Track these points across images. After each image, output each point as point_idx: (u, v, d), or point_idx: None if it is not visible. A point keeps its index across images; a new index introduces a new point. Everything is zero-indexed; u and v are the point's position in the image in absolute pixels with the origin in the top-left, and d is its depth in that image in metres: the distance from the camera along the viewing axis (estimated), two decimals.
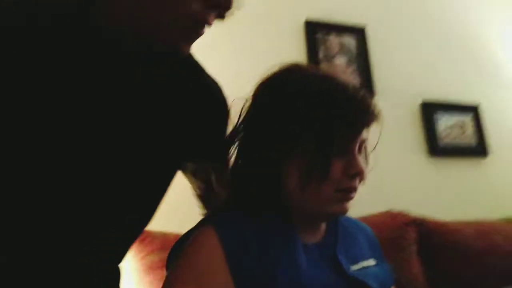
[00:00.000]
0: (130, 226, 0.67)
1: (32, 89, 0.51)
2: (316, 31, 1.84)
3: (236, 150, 0.75)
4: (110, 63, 0.56)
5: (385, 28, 2.00)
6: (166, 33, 0.53)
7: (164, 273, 0.72)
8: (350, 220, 0.83)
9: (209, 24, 0.54)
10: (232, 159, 0.77)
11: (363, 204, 1.30)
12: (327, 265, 0.70)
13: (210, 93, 0.72)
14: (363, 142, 0.70)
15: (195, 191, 0.85)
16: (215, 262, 0.64)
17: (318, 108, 0.67)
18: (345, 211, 0.69)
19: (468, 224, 1.46)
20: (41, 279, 0.55)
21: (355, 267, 0.72)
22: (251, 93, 0.75)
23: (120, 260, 0.72)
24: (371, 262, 0.76)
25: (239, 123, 0.75)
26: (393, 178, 1.72)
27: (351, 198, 0.69)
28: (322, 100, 0.67)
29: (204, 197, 0.84)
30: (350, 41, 1.90)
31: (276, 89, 0.72)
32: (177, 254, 0.70)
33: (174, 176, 0.72)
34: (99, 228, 0.59)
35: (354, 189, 0.68)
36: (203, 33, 0.55)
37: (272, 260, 0.65)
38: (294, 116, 0.68)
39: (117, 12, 0.52)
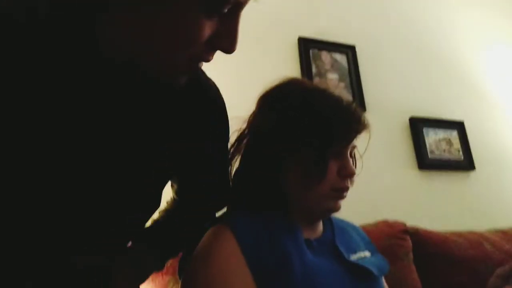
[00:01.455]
0: (130, 227, 0.67)
1: (39, 107, 0.50)
2: (309, 47, 1.90)
3: (241, 155, 0.82)
4: (110, 79, 0.55)
5: (373, 48, 2.07)
6: (165, 69, 0.53)
7: None
8: (342, 220, 0.92)
9: (208, 61, 0.54)
10: (236, 164, 0.83)
11: (358, 215, 1.34)
12: (330, 256, 0.76)
13: (208, 96, 0.72)
14: (353, 148, 0.80)
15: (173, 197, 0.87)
16: (236, 261, 0.67)
17: (318, 117, 0.75)
18: (338, 208, 0.77)
19: (459, 234, 1.51)
20: (41, 280, 0.55)
21: (354, 257, 0.79)
22: (256, 105, 0.84)
23: None
24: (367, 253, 0.83)
25: (243, 131, 0.83)
26: (385, 191, 1.77)
27: (344, 197, 0.77)
28: (322, 110, 0.75)
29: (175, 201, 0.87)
30: (341, 58, 1.96)
31: (278, 100, 0.80)
32: (192, 256, 0.72)
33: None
34: (100, 230, 0.60)
35: (346, 189, 0.77)
36: (201, 66, 0.57)
37: (283, 252, 0.69)
38: (295, 124, 0.75)
39: (119, 43, 0.51)
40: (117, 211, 0.60)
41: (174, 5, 0.46)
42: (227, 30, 0.51)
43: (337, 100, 0.78)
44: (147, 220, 0.74)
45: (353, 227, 0.93)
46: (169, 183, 0.84)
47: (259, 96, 0.84)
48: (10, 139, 0.49)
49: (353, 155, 0.81)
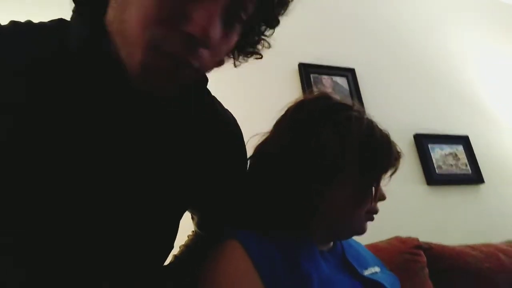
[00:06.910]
0: (147, 259, 0.64)
1: (60, 127, 0.50)
2: (309, 72, 1.94)
3: (267, 172, 0.74)
4: (134, 106, 0.55)
5: (372, 69, 2.11)
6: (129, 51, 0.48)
7: None
8: None
9: (181, 55, 0.47)
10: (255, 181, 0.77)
11: (369, 232, 1.33)
12: (344, 270, 0.76)
13: (227, 128, 0.72)
14: None
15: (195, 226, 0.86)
16: (246, 273, 0.65)
17: (368, 147, 0.73)
18: (365, 229, 0.78)
19: (473, 247, 1.49)
20: None
21: (366, 272, 0.79)
22: (287, 115, 0.79)
23: None
24: (376, 269, 0.83)
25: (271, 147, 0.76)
26: (395, 208, 1.75)
27: (373, 219, 0.78)
28: (371, 142, 0.74)
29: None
30: (342, 81, 2.01)
31: (319, 120, 0.74)
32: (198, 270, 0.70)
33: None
34: (114, 261, 0.57)
35: (377, 212, 0.78)
36: (185, 73, 0.51)
37: (303, 276, 0.66)
38: (344, 150, 0.72)
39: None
40: (131, 241, 0.58)
41: None
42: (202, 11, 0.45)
43: (382, 134, 0.78)
44: (165, 254, 0.69)
45: (357, 243, 0.92)
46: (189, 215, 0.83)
47: (292, 111, 0.79)
48: (36, 163, 0.49)
49: None
